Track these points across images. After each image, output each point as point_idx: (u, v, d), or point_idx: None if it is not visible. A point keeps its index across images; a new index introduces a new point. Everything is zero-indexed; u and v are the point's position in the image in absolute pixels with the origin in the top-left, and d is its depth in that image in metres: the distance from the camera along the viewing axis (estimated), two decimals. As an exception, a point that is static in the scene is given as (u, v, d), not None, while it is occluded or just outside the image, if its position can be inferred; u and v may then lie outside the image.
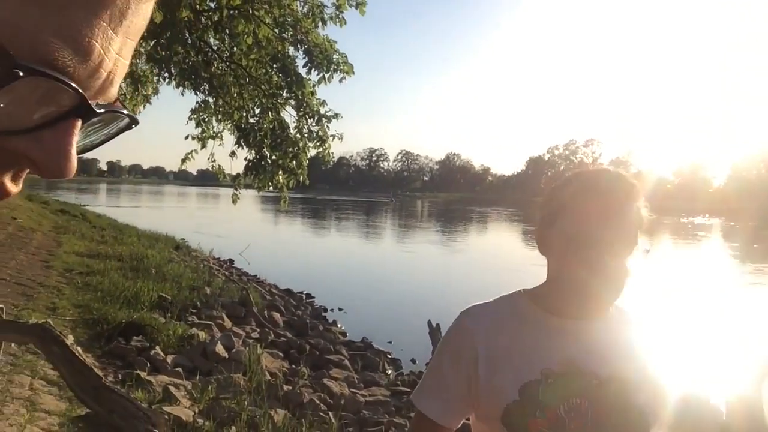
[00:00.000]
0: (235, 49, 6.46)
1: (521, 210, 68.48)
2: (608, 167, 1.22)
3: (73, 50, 0.36)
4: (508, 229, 44.20)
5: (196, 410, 4.56)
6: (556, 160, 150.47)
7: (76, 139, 0.39)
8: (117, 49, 0.40)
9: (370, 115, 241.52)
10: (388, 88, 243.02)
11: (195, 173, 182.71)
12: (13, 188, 0.40)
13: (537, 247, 1.23)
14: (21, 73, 0.34)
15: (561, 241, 1.15)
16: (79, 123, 0.39)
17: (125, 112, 0.43)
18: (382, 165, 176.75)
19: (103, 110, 0.40)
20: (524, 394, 1.12)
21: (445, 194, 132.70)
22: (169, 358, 5.99)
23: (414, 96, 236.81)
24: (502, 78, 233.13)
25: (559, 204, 1.18)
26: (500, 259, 22.11)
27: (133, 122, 0.45)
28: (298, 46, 6.47)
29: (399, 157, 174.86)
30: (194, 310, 8.22)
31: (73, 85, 0.37)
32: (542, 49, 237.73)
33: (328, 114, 6.84)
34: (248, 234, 24.87)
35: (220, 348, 6.38)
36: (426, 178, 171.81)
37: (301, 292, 13.43)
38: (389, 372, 8.39)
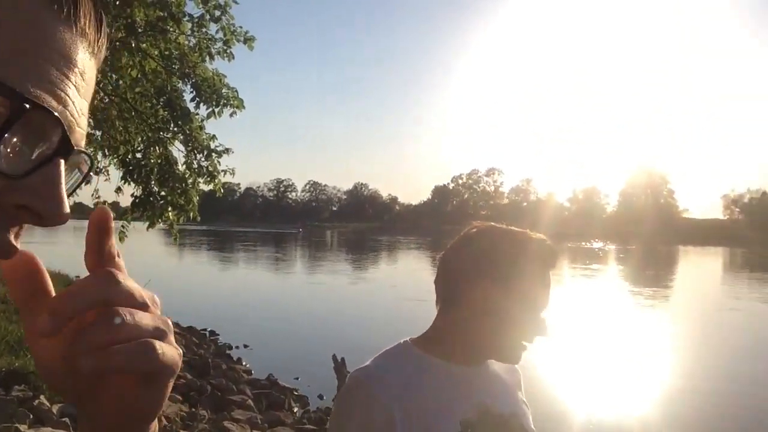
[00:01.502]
0: (120, 82, 6.26)
1: (429, 238, 69.66)
2: (537, 234, 1.23)
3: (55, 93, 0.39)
4: (415, 258, 44.78)
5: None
6: (461, 189, 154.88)
7: (64, 180, 0.41)
8: (80, 106, 0.42)
9: (277, 146, 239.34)
10: (296, 117, 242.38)
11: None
12: (18, 245, 0.42)
13: (444, 293, 1.23)
14: (27, 106, 0.37)
15: (508, 304, 1.15)
16: (63, 163, 0.41)
17: (91, 157, 0.46)
18: (290, 195, 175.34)
19: (78, 150, 0.42)
20: None
21: (354, 224, 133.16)
22: (55, 408, 5.57)
23: (321, 127, 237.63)
24: (405, 107, 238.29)
25: (507, 266, 1.16)
26: (407, 289, 22.30)
27: (91, 170, 0.47)
28: (186, 80, 6.36)
29: (307, 187, 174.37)
30: (86, 355, 7.71)
31: (62, 120, 0.39)
32: (441, 80, 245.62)
33: (218, 149, 6.73)
34: (148, 269, 23.76)
35: (112, 395, 6.00)
36: (335, 209, 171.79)
37: (205, 329, 12.98)
38: (296, 410, 8.20)
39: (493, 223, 1.25)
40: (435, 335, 1.22)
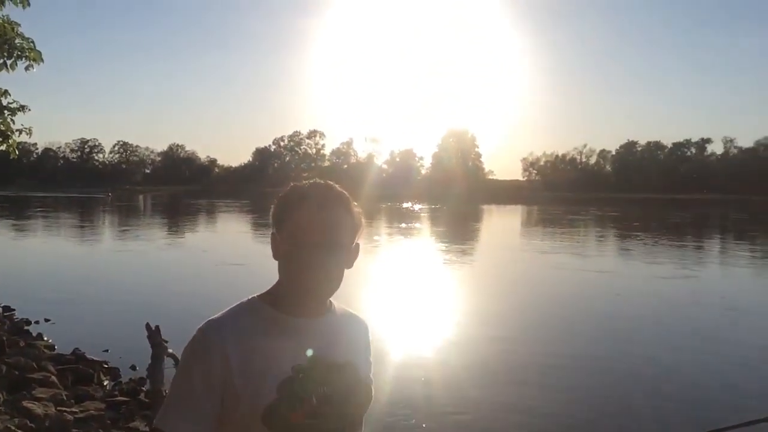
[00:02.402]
0: None
1: (250, 201, 68.56)
2: (320, 180, 1.35)
3: None
4: (232, 221, 43.94)
5: None
6: (282, 151, 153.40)
7: None
8: None
9: (83, 104, 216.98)
10: (102, 72, 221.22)
11: None
12: None
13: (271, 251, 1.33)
14: None
15: (284, 246, 1.28)
16: None
17: None
18: (96, 157, 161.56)
19: None
20: (282, 391, 1.23)
21: (170, 187, 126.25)
22: None
23: (131, 84, 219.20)
24: (223, 66, 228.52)
25: (281, 213, 1.31)
26: (221, 253, 21.96)
27: None
28: (-29, 27, 5.67)
29: (116, 148, 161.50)
30: None
31: None
32: (261, 42, 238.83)
33: (12, 106, 6.11)
34: (-75, 242, 21.01)
35: None
36: (148, 171, 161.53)
37: (-3, 306, 11.84)
38: (106, 383, 7.89)
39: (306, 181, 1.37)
40: (275, 290, 1.34)
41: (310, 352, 1.29)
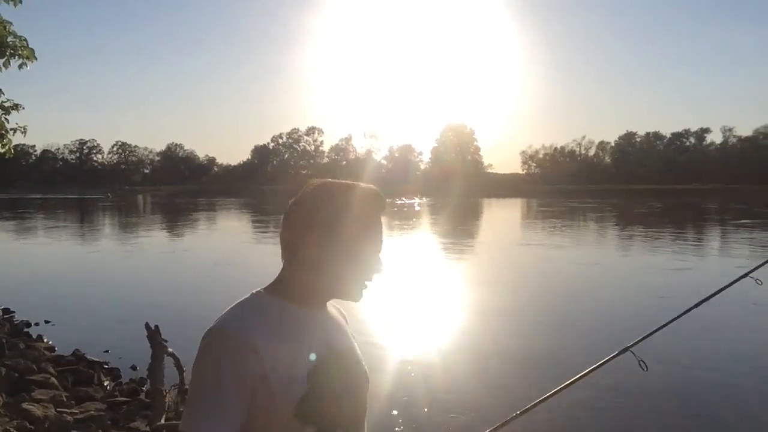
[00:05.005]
0: None
1: (249, 199, 68.53)
2: (362, 184, 1.35)
3: None
4: (230, 220, 43.89)
5: None
6: (281, 149, 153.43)
7: None
8: None
9: (81, 105, 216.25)
10: (100, 73, 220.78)
11: None
12: None
13: (286, 246, 1.32)
14: None
15: (344, 248, 1.28)
16: None
17: None
18: (95, 158, 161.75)
19: None
20: (312, 382, 1.23)
21: (169, 187, 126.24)
22: None
23: (129, 84, 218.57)
24: (223, 68, 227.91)
25: (345, 213, 1.29)
26: (218, 252, 21.89)
27: None
28: (-37, 25, 5.61)
29: (114, 149, 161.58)
30: None
31: None
32: (258, 40, 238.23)
33: (6, 105, 6.06)
34: (-76, 245, 20.95)
35: None
36: (147, 171, 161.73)
37: (-3, 308, 11.80)
38: (106, 383, 7.84)
39: (329, 179, 1.37)
40: (283, 284, 1.32)
41: (314, 353, 1.28)
